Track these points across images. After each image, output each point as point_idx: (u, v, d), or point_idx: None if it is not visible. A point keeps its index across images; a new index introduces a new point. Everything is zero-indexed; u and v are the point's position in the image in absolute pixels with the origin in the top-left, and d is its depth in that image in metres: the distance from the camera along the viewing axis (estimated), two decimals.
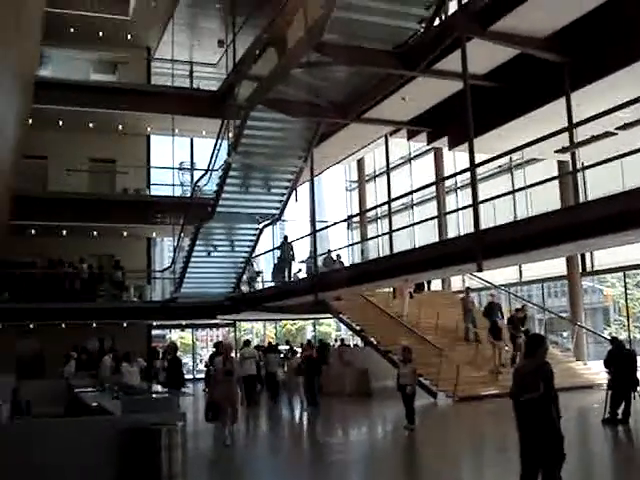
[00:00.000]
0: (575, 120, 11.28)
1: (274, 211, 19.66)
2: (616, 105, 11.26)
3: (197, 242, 20.44)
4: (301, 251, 23.71)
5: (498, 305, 19.68)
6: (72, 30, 26.03)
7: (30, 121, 23.09)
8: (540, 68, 12.07)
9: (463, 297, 21.28)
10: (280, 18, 14.72)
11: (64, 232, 25.25)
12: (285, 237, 23.19)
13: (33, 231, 24.72)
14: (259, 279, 25.33)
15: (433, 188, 24.68)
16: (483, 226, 11.01)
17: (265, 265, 28.58)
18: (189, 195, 23.96)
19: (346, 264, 23.49)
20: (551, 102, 12.46)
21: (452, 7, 11.80)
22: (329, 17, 10.88)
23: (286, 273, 22.33)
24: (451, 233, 23.40)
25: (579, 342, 20.30)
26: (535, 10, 10.64)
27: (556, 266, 19.98)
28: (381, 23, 11.50)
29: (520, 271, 22.95)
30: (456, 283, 25.48)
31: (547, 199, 18.79)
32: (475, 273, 18.97)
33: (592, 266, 20.84)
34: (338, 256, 23.40)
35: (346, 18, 11.16)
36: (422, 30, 11.80)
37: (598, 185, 17.74)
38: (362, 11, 11.12)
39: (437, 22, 11.94)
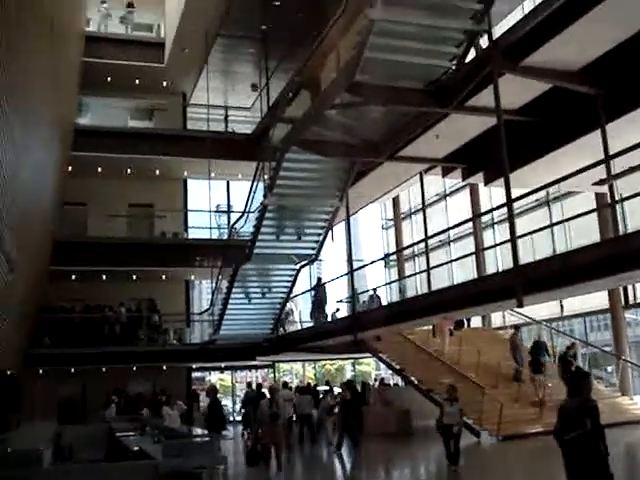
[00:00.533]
0: (611, 152, 11.17)
1: (310, 251, 19.67)
2: None
3: (235, 284, 20.49)
4: (340, 290, 23.69)
5: (544, 344, 19.30)
6: (109, 79, 26.65)
7: (70, 168, 23.60)
8: (574, 101, 12.02)
9: (512, 336, 20.60)
10: (312, 61, 14.91)
11: (104, 277, 25.57)
12: (319, 279, 23.21)
13: (73, 276, 25.05)
14: (290, 318, 25.27)
15: (470, 224, 24.55)
16: (522, 261, 10.89)
17: (303, 305, 28.57)
18: (226, 237, 24.14)
19: (384, 302, 23.33)
20: (586, 134, 12.37)
21: (483, 43, 11.82)
22: (361, 58, 10.98)
23: (321, 314, 22.29)
24: (490, 269, 23.18)
25: (624, 376, 19.85)
26: (565, 44, 10.65)
27: (598, 299, 19.65)
28: (413, 62, 11.57)
29: (561, 305, 22.60)
30: (496, 319, 25.16)
31: (586, 231, 18.56)
32: (515, 309, 18.70)
33: (635, 298, 20.45)
34: (376, 295, 23.28)
35: (378, 59, 11.25)
36: (454, 67, 11.83)
37: (638, 215, 17.50)
38: (393, 51, 11.20)
39: (469, 59, 11.97)
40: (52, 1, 13.61)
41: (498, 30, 13.62)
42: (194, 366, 28.43)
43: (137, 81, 27.43)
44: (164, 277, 27.09)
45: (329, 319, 22.11)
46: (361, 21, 11.11)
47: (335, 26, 13.24)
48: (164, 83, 27.96)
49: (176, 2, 24.51)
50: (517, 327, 21.16)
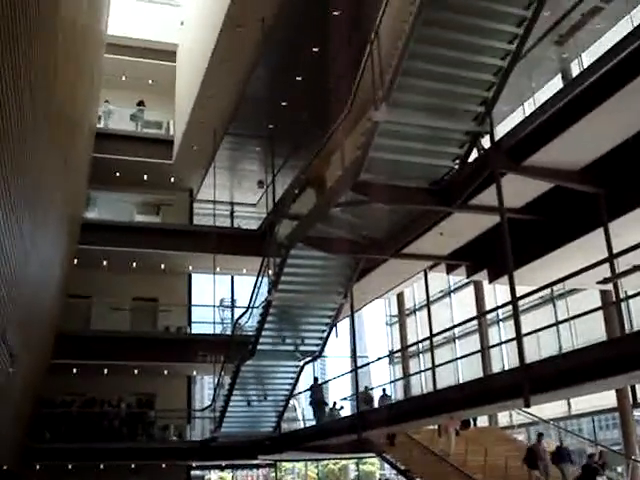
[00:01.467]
0: (615, 249, 11.21)
1: (314, 348, 19.53)
2: None
3: (237, 380, 20.25)
4: (344, 387, 23.37)
5: (567, 450, 18.54)
6: (117, 174, 27.16)
7: (75, 261, 23.74)
8: (576, 199, 12.13)
9: (534, 445, 18.93)
10: (317, 159, 15.19)
11: (105, 370, 25.33)
12: (315, 379, 22.96)
13: (74, 370, 24.81)
14: (293, 415, 24.84)
15: (475, 321, 24.42)
16: (528, 359, 10.76)
17: (305, 403, 28.15)
18: (230, 333, 24.02)
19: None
20: (590, 233, 12.43)
21: (485, 143, 12.05)
22: (366, 158, 11.19)
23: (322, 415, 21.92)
24: (496, 366, 22.91)
25: (635, 476, 19.27)
26: (566, 145, 10.84)
27: (606, 398, 19.30)
28: (416, 162, 11.77)
29: (569, 404, 22.20)
30: (503, 418, 24.68)
31: (593, 328, 18.43)
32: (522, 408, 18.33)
33: None
34: (386, 394, 22.89)
35: (382, 158, 11.46)
36: (457, 167, 12.03)
37: None
38: (397, 151, 11.43)
39: (471, 158, 12.18)
40: (66, 99, 13.99)
41: (501, 128, 13.97)
42: (194, 464, 27.79)
43: (145, 176, 27.94)
44: (166, 372, 26.82)
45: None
46: (365, 122, 11.37)
47: (340, 126, 13.53)
48: (172, 179, 28.45)
49: (186, 101, 25.20)
50: (540, 435, 19.42)
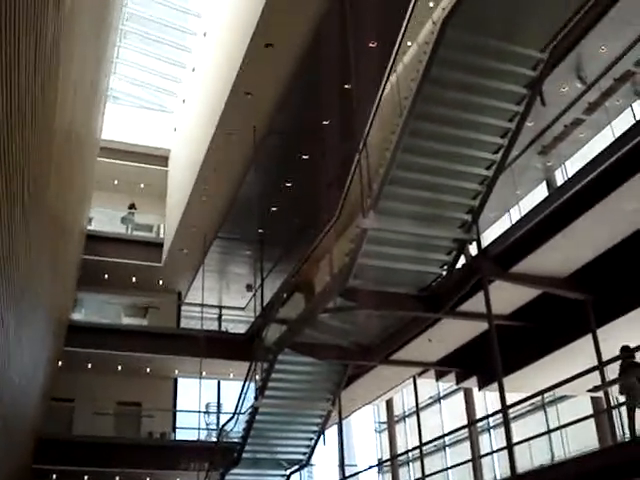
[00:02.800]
0: (605, 355, 11.17)
1: (301, 456, 19.05)
2: None
3: None
4: None
5: None
6: (106, 276, 27.10)
7: (60, 363, 23.41)
8: (565, 306, 12.17)
9: None
10: (306, 265, 15.27)
11: (85, 477, 24.50)
12: None
13: (54, 476, 24.01)
14: None
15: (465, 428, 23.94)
16: (520, 467, 10.54)
17: None
18: (215, 439, 23.45)
19: None
20: (579, 339, 12.41)
21: (473, 250, 12.17)
22: (354, 265, 11.25)
23: None
24: (487, 475, 22.33)
25: None
26: (552, 252, 10.97)
27: None
28: (405, 269, 11.84)
29: None
30: None
31: (585, 434, 18.09)
32: None
33: None
34: None
35: (370, 265, 11.52)
36: (445, 274, 12.09)
37: None
38: (386, 258, 11.51)
39: (459, 265, 12.27)
40: (58, 204, 14.11)
41: (489, 234, 14.15)
42: None
43: (134, 279, 27.91)
44: (148, 479, 26.00)
45: None
46: (354, 229, 11.50)
47: (329, 233, 13.67)
48: (160, 282, 28.44)
49: (177, 205, 25.50)
50: None
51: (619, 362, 10.85)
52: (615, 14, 13.15)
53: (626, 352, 10.73)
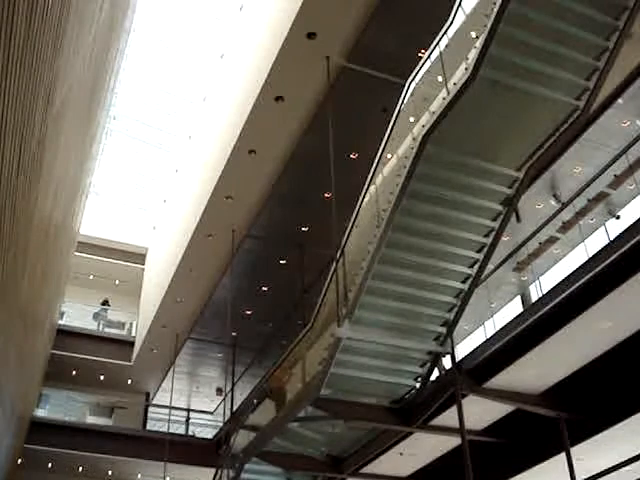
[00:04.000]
0: (578, 475, 10.99)
1: None
2: (620, 462, 11.06)
3: None
4: None
5: None
6: (74, 372, 26.56)
7: (19, 461, 22.59)
8: (539, 422, 12.04)
9: None
10: (279, 371, 15.07)
11: None
12: None
13: None
14: None
15: None
16: None
17: None
18: None
19: None
20: (553, 457, 12.21)
21: (447, 363, 12.11)
22: (327, 374, 11.12)
23: None
24: None
25: None
26: (526, 368, 10.94)
27: None
28: (377, 380, 11.72)
29: None
30: None
31: None
32: None
33: None
34: None
35: (343, 374, 11.39)
36: (418, 386, 11.98)
37: None
38: (359, 368, 11.40)
39: (433, 377, 12.18)
40: (31, 298, 13.96)
41: (462, 347, 14.10)
42: None
43: (102, 377, 27.37)
44: None
45: None
46: (328, 337, 11.44)
47: (302, 340, 13.58)
48: (129, 381, 27.89)
49: (151, 303, 25.30)
50: None
51: None
52: (588, 137, 13.69)
53: None
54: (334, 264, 11.61)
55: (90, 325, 29.27)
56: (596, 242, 12.83)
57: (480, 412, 12.17)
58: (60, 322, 27.29)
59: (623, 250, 9.16)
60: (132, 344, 27.78)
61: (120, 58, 18.17)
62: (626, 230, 9.43)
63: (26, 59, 6.02)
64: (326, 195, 14.07)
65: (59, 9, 6.13)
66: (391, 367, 11.63)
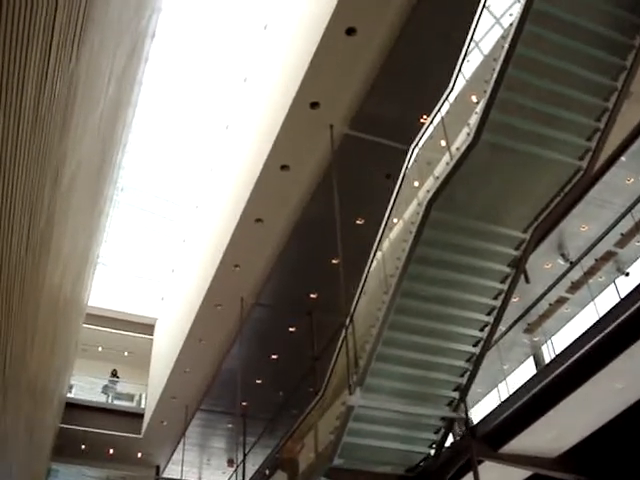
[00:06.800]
0: None
1: None
2: None
3: None
4: None
5: None
6: (83, 446, 26.20)
7: None
8: None
9: None
10: (290, 441, 14.83)
11: None
12: None
13: None
14: None
15: None
16: None
17: None
18: None
19: None
20: None
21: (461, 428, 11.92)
22: (339, 443, 10.95)
23: None
24: None
25: None
26: (542, 432, 10.78)
27: None
28: (391, 448, 11.51)
29: None
30: None
31: None
32: None
33: None
34: None
35: (356, 443, 11.21)
36: (433, 453, 11.76)
37: None
38: (372, 436, 11.21)
39: (448, 442, 11.98)
40: (39, 371, 13.89)
41: (477, 409, 13.88)
42: None
43: (111, 450, 26.96)
44: None
45: None
46: (339, 406, 11.29)
47: (313, 409, 13.40)
48: (139, 454, 27.48)
49: (160, 375, 25.10)
50: None
51: None
52: (593, 195, 13.77)
53: None
54: (344, 331, 11.55)
55: (99, 398, 29.00)
56: (606, 299, 12.74)
57: (497, 477, 11.92)
58: (69, 395, 27.06)
59: (633, 309, 9.15)
60: (142, 416, 27.45)
61: (127, 132, 18.46)
62: (635, 289, 9.41)
63: (34, 140, 6.13)
64: (334, 261, 14.07)
65: (67, 90, 6.28)
66: (404, 434, 11.43)
